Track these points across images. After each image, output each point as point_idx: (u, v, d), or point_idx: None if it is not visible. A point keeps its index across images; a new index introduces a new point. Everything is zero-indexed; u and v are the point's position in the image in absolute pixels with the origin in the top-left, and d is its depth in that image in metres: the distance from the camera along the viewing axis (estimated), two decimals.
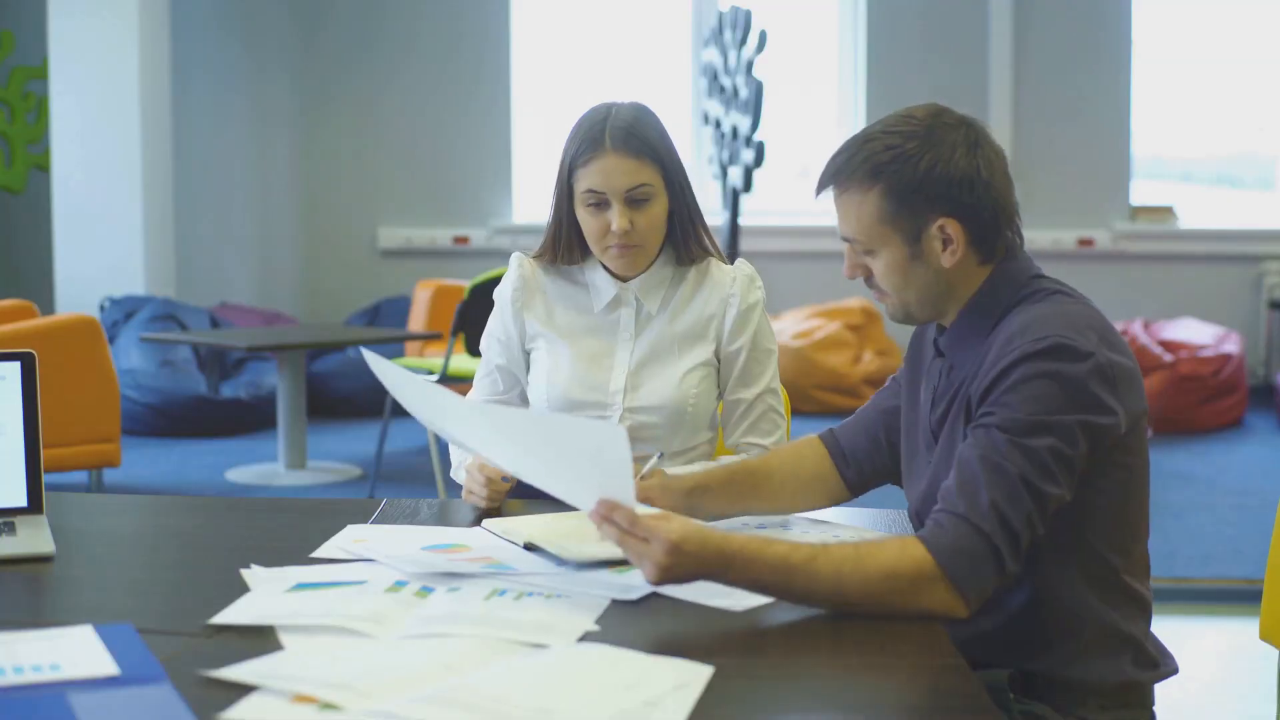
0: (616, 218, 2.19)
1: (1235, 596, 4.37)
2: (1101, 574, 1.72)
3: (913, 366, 1.93)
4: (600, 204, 2.21)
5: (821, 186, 1.80)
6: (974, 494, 1.59)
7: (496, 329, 2.35)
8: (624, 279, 2.29)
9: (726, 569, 1.55)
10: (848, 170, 1.75)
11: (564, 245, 2.29)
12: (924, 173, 1.71)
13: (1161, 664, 1.77)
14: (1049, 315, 1.69)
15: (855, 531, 1.96)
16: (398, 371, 1.78)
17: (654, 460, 1.95)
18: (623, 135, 2.19)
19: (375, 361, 1.80)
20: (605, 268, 2.29)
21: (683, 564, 1.53)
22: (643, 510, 1.58)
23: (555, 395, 2.28)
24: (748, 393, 2.31)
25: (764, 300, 2.33)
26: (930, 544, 1.56)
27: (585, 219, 2.23)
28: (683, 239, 2.28)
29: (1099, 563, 1.72)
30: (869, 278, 1.80)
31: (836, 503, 2.02)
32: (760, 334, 2.31)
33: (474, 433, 1.78)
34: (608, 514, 1.56)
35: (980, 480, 1.59)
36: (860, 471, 2.00)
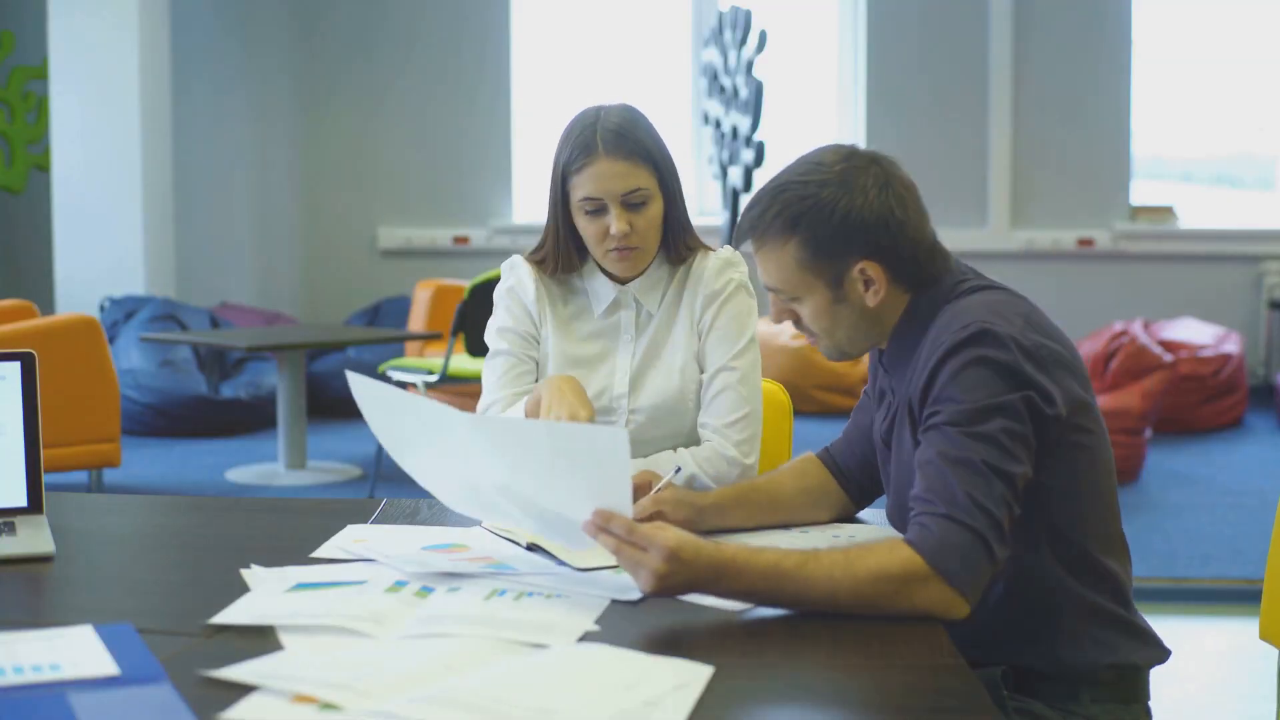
0: (615, 221, 2.17)
1: (1235, 596, 4.37)
2: (1073, 556, 1.75)
3: (873, 384, 1.98)
4: (598, 210, 2.18)
5: (739, 240, 1.84)
6: (947, 491, 1.60)
7: (521, 324, 2.28)
8: (623, 281, 2.28)
9: (719, 578, 1.56)
10: (763, 223, 1.78)
11: (563, 254, 2.26)
12: (840, 219, 1.74)
13: (1151, 641, 1.79)
14: (971, 306, 1.73)
15: (855, 528, 1.99)
16: (383, 393, 1.73)
17: (672, 474, 1.95)
18: (614, 138, 2.16)
19: (358, 384, 1.74)
20: (603, 271, 2.27)
21: (679, 572, 1.54)
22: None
23: None
24: (707, 373, 2.25)
25: (741, 283, 2.27)
26: (917, 545, 1.58)
27: (583, 225, 2.21)
28: (674, 239, 2.26)
29: (1068, 545, 1.74)
30: (798, 321, 1.83)
31: (848, 514, 2.05)
32: (726, 314, 2.25)
33: (457, 457, 1.72)
34: (604, 524, 1.56)
35: (949, 477, 1.61)
36: (860, 486, 2.04)
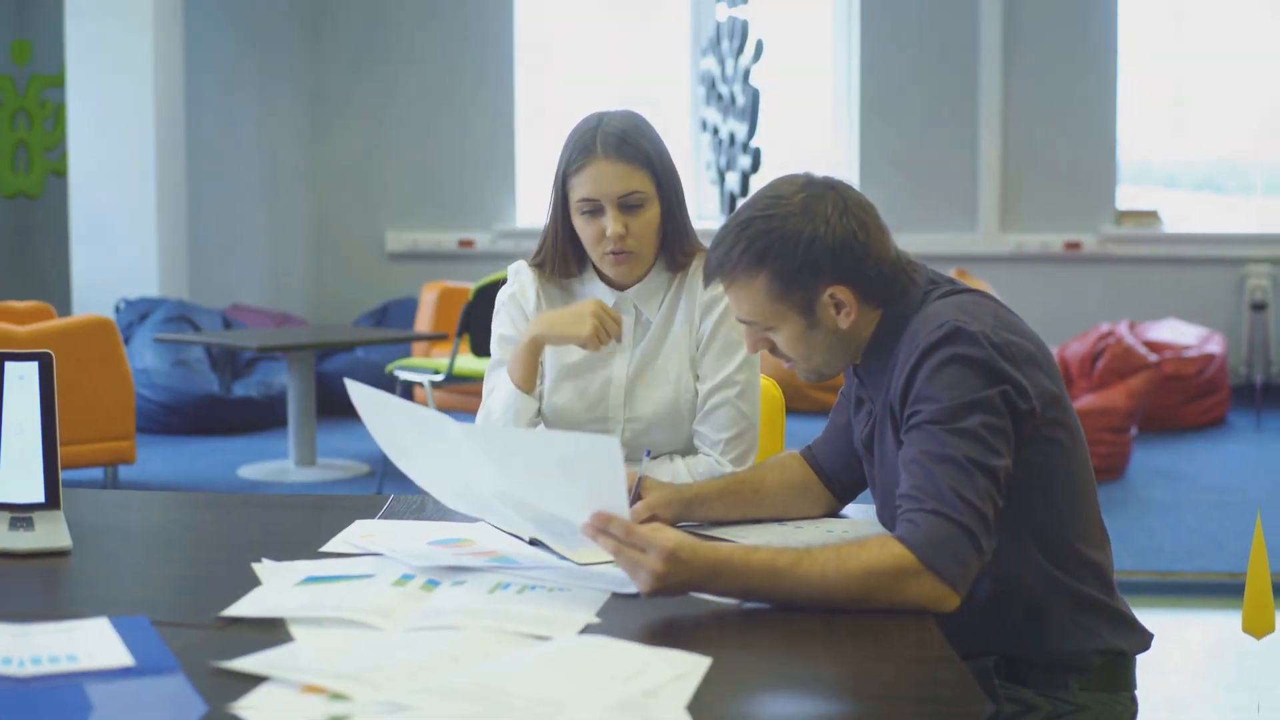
0: (611, 223, 2.17)
1: (1218, 589, 4.40)
2: (1056, 547, 1.79)
3: (849, 390, 2.00)
4: (595, 211, 2.18)
5: (708, 279, 1.87)
6: (933, 488, 1.64)
7: (522, 334, 2.26)
8: (621, 288, 2.28)
9: (716, 577, 1.59)
10: (731, 260, 1.80)
11: (561, 259, 2.26)
12: (806, 248, 1.77)
13: (1134, 626, 1.83)
14: (942, 307, 1.77)
15: (848, 523, 2.02)
16: (382, 400, 1.76)
17: (645, 461, 1.97)
18: (614, 141, 2.17)
19: (357, 391, 1.77)
20: (602, 278, 2.27)
21: (678, 572, 1.57)
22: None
23: (557, 410, 2.27)
24: (706, 385, 2.26)
25: None
26: (907, 541, 1.61)
27: (581, 226, 2.21)
28: (673, 245, 2.26)
29: (1051, 537, 1.78)
30: (774, 350, 1.86)
31: (831, 510, 2.08)
32: (727, 325, 2.25)
33: (454, 462, 1.75)
34: (603, 526, 1.59)
35: (934, 474, 1.65)
36: (842, 485, 2.07)
